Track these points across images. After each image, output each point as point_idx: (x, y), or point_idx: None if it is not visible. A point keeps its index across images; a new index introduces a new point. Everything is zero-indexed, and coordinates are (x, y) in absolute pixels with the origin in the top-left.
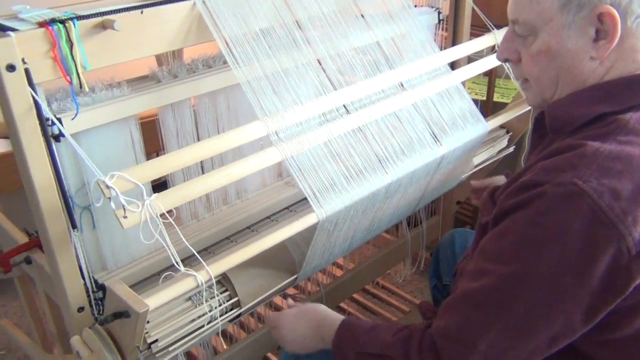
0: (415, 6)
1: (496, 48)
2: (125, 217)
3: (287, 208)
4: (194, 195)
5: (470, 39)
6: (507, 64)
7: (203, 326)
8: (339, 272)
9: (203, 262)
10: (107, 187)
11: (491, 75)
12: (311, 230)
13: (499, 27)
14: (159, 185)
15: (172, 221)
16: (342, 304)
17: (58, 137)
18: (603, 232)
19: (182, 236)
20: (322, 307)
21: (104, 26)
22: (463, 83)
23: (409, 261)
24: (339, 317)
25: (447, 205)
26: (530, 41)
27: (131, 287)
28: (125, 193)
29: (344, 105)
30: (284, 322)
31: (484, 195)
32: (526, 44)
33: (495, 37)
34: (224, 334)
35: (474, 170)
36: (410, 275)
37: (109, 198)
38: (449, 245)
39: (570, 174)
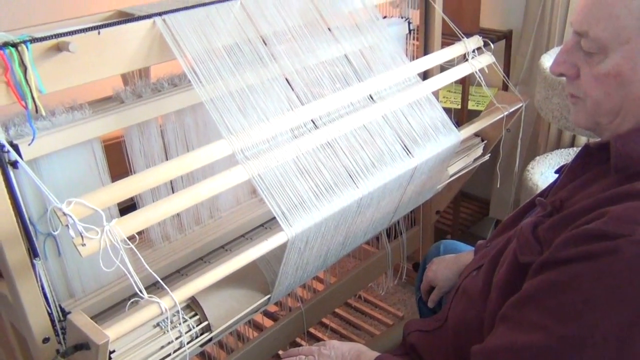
0: (385, 17)
1: (467, 56)
2: (83, 244)
3: (262, 225)
4: (157, 218)
5: (443, 48)
6: (478, 75)
7: (172, 353)
8: (320, 287)
9: (166, 287)
10: (64, 214)
11: (465, 84)
12: (282, 249)
13: (469, 35)
14: (130, 207)
15: (133, 247)
16: (324, 319)
17: (15, 164)
18: None
19: (143, 262)
20: (361, 346)
21: (59, 48)
22: (436, 92)
23: (391, 273)
24: (374, 354)
25: (426, 216)
26: (597, 60)
27: (98, 314)
28: (88, 218)
29: (312, 120)
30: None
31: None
32: (591, 61)
33: (466, 45)
34: (204, 355)
35: (450, 179)
36: (392, 287)
37: (67, 226)
38: (436, 257)
39: None
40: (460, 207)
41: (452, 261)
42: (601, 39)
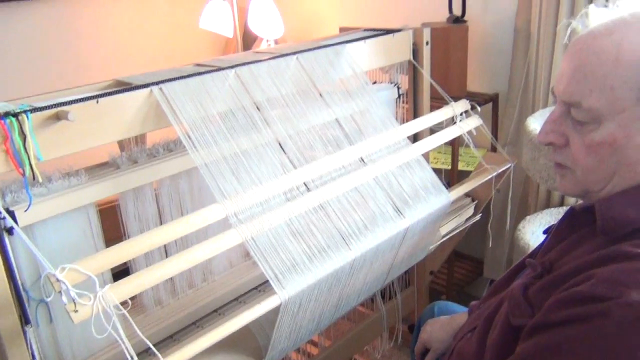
0: (375, 82)
1: (455, 119)
2: (76, 311)
3: (255, 288)
4: (151, 283)
5: (432, 111)
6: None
7: None
8: (314, 350)
9: (158, 354)
10: (58, 280)
11: (454, 145)
12: (275, 312)
13: (456, 99)
14: (123, 271)
15: (125, 312)
16: None
17: (11, 230)
18: None
19: (135, 328)
20: None
21: (58, 117)
22: (426, 154)
23: (386, 335)
24: None
25: (420, 276)
26: (589, 129)
27: None
28: (81, 284)
29: (304, 183)
30: None
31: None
32: (583, 130)
33: (453, 109)
34: None
35: (443, 240)
36: (388, 350)
37: (60, 292)
38: (430, 318)
39: (637, 292)
40: (454, 267)
41: (446, 323)
42: (595, 109)
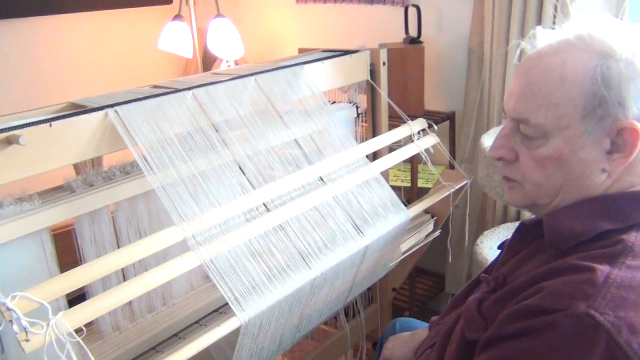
0: (334, 102)
1: (412, 137)
2: (27, 340)
3: (216, 310)
4: (106, 309)
5: (390, 130)
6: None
7: None
8: None
9: None
10: (8, 309)
11: (413, 163)
12: (235, 334)
13: (414, 117)
14: (80, 297)
15: (80, 340)
16: None
17: None
18: None
19: (91, 356)
20: None
21: (9, 141)
22: (385, 172)
23: (351, 353)
24: None
25: (383, 293)
26: (537, 144)
27: None
28: (34, 312)
29: (263, 204)
30: None
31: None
32: (531, 145)
33: (411, 127)
34: None
35: (403, 256)
36: None
37: (11, 321)
38: (392, 335)
39: (584, 303)
40: (416, 284)
41: (408, 338)
42: (543, 125)
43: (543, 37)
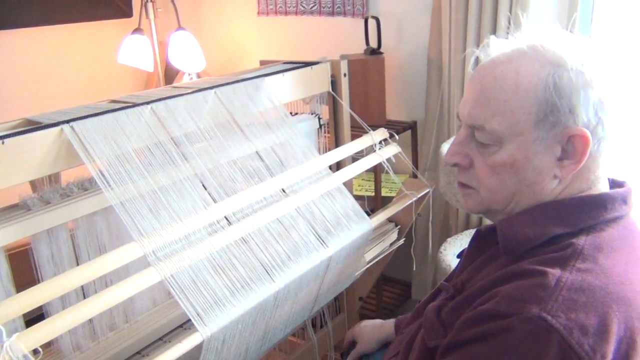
0: (297, 113)
1: (374, 147)
2: None
3: (181, 326)
4: (64, 328)
5: (353, 140)
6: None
7: None
8: None
9: None
10: None
11: (376, 172)
12: (199, 350)
13: (376, 127)
14: (39, 316)
15: None
16: None
17: None
18: None
19: None
20: None
21: None
22: (349, 182)
23: None
24: None
25: (350, 303)
26: (492, 150)
27: None
28: None
29: (225, 217)
30: None
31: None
32: (485, 152)
33: (372, 137)
34: None
35: (368, 265)
36: None
37: None
38: None
39: (537, 307)
40: (383, 292)
41: (377, 325)
42: (497, 132)
43: (496, 46)
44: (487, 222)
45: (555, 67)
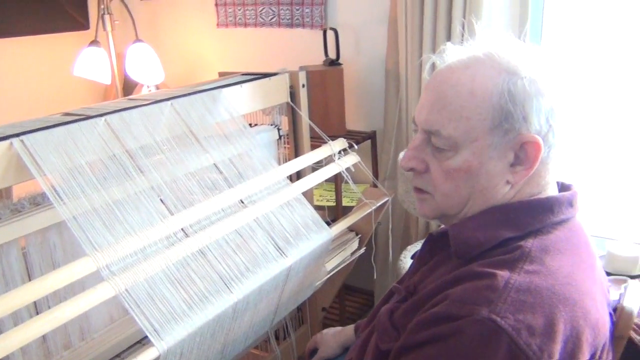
0: (256, 124)
1: (333, 157)
2: None
3: (139, 342)
4: (13, 347)
5: (313, 150)
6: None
7: None
8: None
9: None
10: None
11: (337, 182)
12: None
13: (336, 138)
14: None
15: None
16: None
17: None
18: None
19: None
20: None
21: None
22: (310, 193)
23: None
24: None
25: (313, 313)
26: (447, 155)
27: None
28: None
29: (182, 230)
30: None
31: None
32: (441, 157)
33: (331, 147)
34: None
35: (330, 274)
36: None
37: None
38: None
39: (486, 309)
40: (345, 301)
41: (337, 332)
42: (453, 137)
43: (453, 53)
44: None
45: (510, 75)
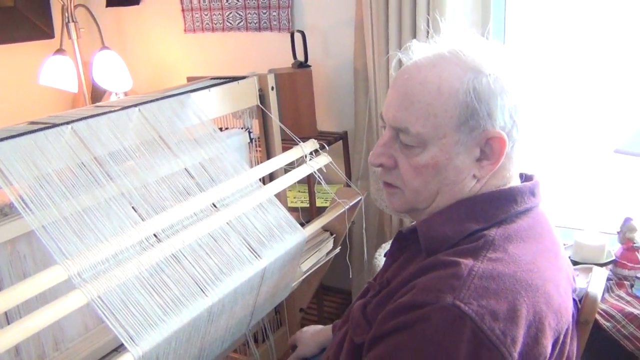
0: (227, 128)
1: (304, 159)
2: None
3: (115, 350)
4: None
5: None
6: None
7: None
8: None
9: None
10: None
11: (310, 183)
12: None
13: (307, 139)
14: None
15: None
16: None
17: None
18: (487, 355)
19: None
20: None
21: None
22: (284, 195)
23: None
24: None
25: (291, 314)
26: (415, 152)
27: None
28: None
29: (154, 235)
30: None
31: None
32: (409, 153)
33: (302, 149)
34: None
35: (305, 275)
36: None
37: None
38: None
39: (451, 295)
40: (323, 302)
41: (316, 330)
42: (421, 134)
43: (418, 50)
44: None
45: (476, 73)
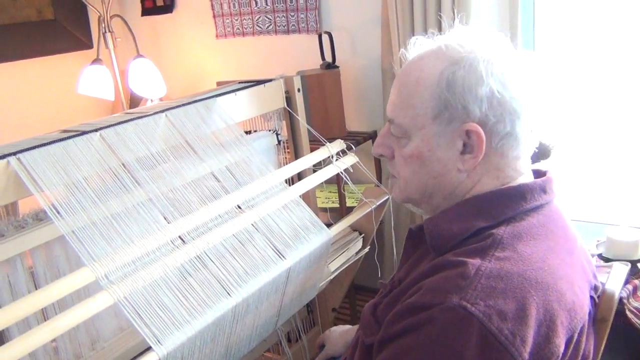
0: (256, 131)
1: (330, 159)
2: None
3: (150, 348)
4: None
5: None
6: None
7: None
8: None
9: None
10: None
11: (339, 184)
12: None
13: (334, 140)
14: None
15: None
16: None
17: None
18: (496, 356)
19: None
20: None
21: None
22: (313, 196)
23: None
24: None
25: (323, 315)
26: (403, 143)
27: None
28: None
29: (180, 237)
30: None
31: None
32: (399, 144)
33: (329, 150)
34: None
35: (334, 274)
36: None
37: None
38: None
39: (457, 296)
40: (356, 301)
41: (344, 330)
42: (403, 125)
43: (418, 45)
44: None
45: (452, 65)
